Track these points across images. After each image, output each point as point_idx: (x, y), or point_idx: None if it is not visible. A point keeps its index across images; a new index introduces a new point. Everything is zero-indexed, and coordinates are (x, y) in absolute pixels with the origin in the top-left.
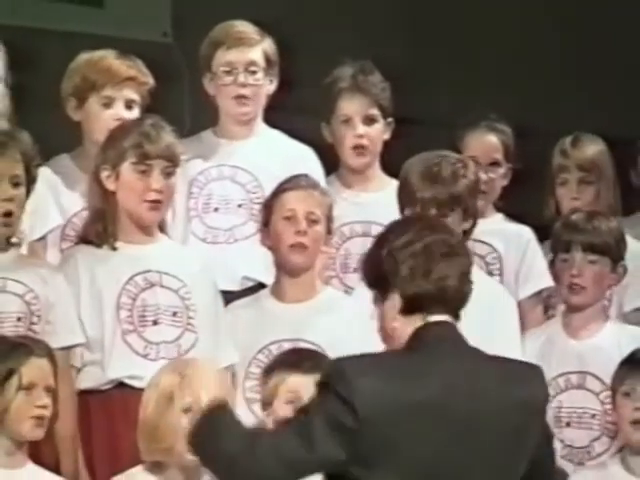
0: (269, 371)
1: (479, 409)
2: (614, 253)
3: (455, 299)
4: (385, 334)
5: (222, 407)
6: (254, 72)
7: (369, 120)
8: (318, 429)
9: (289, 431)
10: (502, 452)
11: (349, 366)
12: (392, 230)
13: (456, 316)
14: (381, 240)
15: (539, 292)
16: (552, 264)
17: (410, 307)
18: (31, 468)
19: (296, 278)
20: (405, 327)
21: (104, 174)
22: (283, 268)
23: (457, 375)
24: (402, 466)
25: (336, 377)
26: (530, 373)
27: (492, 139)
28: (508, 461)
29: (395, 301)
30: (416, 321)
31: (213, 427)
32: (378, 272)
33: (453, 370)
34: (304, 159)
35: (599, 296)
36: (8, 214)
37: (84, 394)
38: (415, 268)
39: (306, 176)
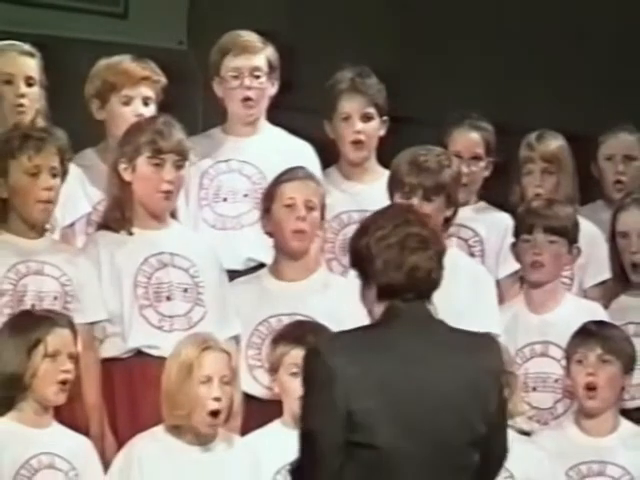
0: (276, 341)
1: (441, 375)
2: (570, 235)
3: (425, 286)
4: (368, 312)
5: None
6: (258, 76)
7: (366, 118)
8: (321, 421)
9: (302, 445)
10: (463, 413)
11: (323, 347)
12: (372, 221)
13: (427, 298)
14: (362, 230)
15: (516, 271)
16: (514, 245)
17: (384, 294)
18: (56, 427)
19: (294, 260)
20: (380, 308)
21: (121, 166)
22: (283, 251)
23: (421, 345)
24: (378, 429)
25: (313, 358)
26: (488, 343)
27: (474, 136)
28: (469, 421)
29: (373, 288)
30: (388, 304)
31: None
32: (358, 261)
33: (417, 341)
34: (302, 153)
35: (557, 273)
36: (48, 201)
37: (107, 362)
38: (388, 261)
39: (302, 168)
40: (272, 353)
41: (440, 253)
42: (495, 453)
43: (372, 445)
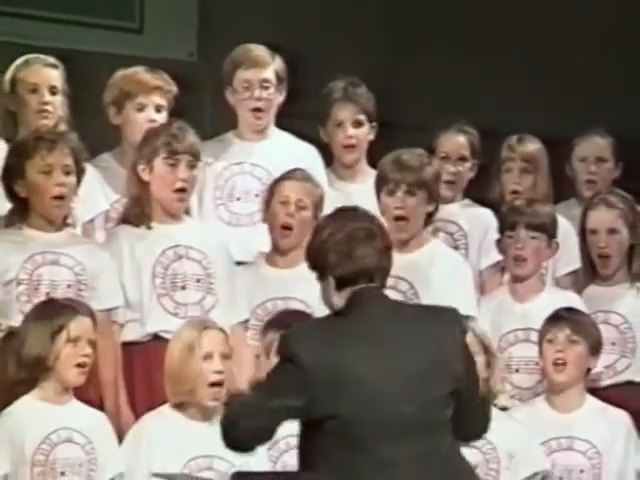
0: (267, 328)
1: (400, 351)
2: (550, 231)
3: (376, 273)
4: (326, 305)
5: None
6: (267, 88)
7: (357, 124)
8: (279, 388)
9: (262, 393)
10: (424, 383)
11: (292, 335)
12: (324, 223)
13: (381, 283)
14: (315, 233)
15: (497, 263)
16: (499, 241)
17: (341, 284)
18: (75, 404)
19: (285, 253)
20: (341, 299)
21: (140, 167)
22: (275, 244)
23: (381, 325)
24: (341, 401)
25: (283, 344)
26: (445, 316)
27: (461, 139)
28: (431, 390)
29: (330, 281)
30: (348, 293)
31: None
32: (314, 261)
33: (377, 323)
34: (307, 155)
35: (537, 267)
36: (61, 197)
37: (127, 345)
38: (340, 253)
39: (302, 170)
40: (263, 339)
41: (387, 245)
42: (465, 410)
43: (334, 416)
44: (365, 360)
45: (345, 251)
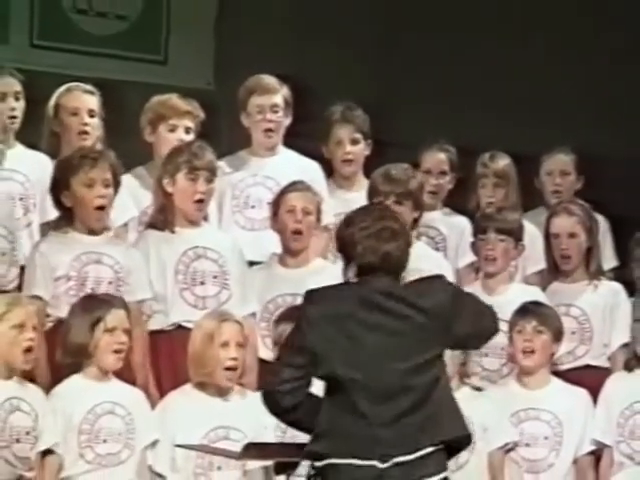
0: (279, 320)
1: (393, 316)
2: (516, 235)
3: (395, 268)
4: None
5: None
6: (277, 111)
7: (354, 142)
8: (291, 345)
9: (283, 363)
10: (409, 345)
11: (306, 298)
12: (356, 216)
13: (395, 276)
14: (347, 221)
15: (472, 263)
16: (473, 244)
17: (362, 272)
18: (115, 381)
19: (295, 255)
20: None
21: (165, 181)
22: (286, 247)
23: (376, 295)
24: (337, 358)
25: (302, 302)
26: (434, 285)
27: (441, 156)
28: (415, 349)
29: (353, 267)
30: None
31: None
32: (343, 246)
33: (374, 293)
34: (311, 170)
35: (505, 265)
36: (102, 207)
37: (153, 333)
38: (367, 247)
39: (302, 182)
40: (275, 330)
41: (408, 242)
42: (470, 342)
43: (332, 376)
44: (362, 326)
45: (372, 246)
